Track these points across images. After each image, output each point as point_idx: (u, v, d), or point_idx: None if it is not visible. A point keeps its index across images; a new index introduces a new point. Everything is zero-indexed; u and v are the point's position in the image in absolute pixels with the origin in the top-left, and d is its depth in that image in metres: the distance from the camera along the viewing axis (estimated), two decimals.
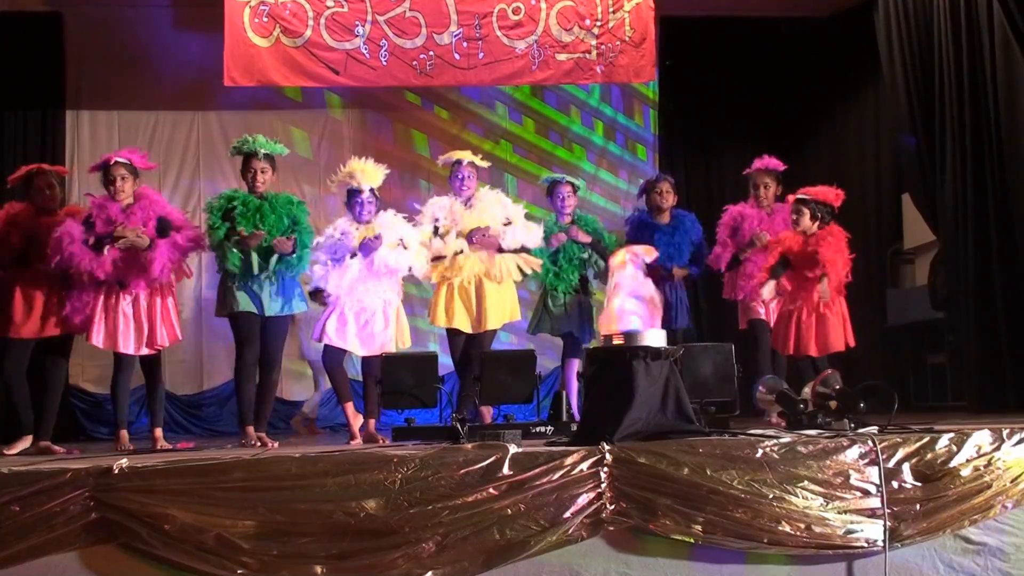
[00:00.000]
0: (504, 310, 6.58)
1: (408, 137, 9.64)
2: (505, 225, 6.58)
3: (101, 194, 6.08)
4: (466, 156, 6.72)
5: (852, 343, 6.53)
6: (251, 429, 6.00)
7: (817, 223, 6.44)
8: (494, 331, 6.63)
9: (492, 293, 6.51)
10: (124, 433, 5.91)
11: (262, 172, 6.16)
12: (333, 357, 6.28)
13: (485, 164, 6.90)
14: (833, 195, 6.52)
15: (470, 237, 6.47)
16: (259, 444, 5.87)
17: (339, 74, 8.33)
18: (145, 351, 5.91)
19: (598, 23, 8.52)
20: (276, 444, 5.96)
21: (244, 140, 6.26)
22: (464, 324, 6.49)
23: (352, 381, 6.78)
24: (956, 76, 7.18)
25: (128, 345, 5.83)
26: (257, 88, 8.69)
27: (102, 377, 8.84)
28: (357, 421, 6.22)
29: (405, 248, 6.25)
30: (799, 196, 6.53)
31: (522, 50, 8.45)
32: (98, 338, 5.81)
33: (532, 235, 6.63)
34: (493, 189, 6.89)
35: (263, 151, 6.16)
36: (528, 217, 6.87)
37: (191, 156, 9.29)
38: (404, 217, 6.49)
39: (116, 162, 5.92)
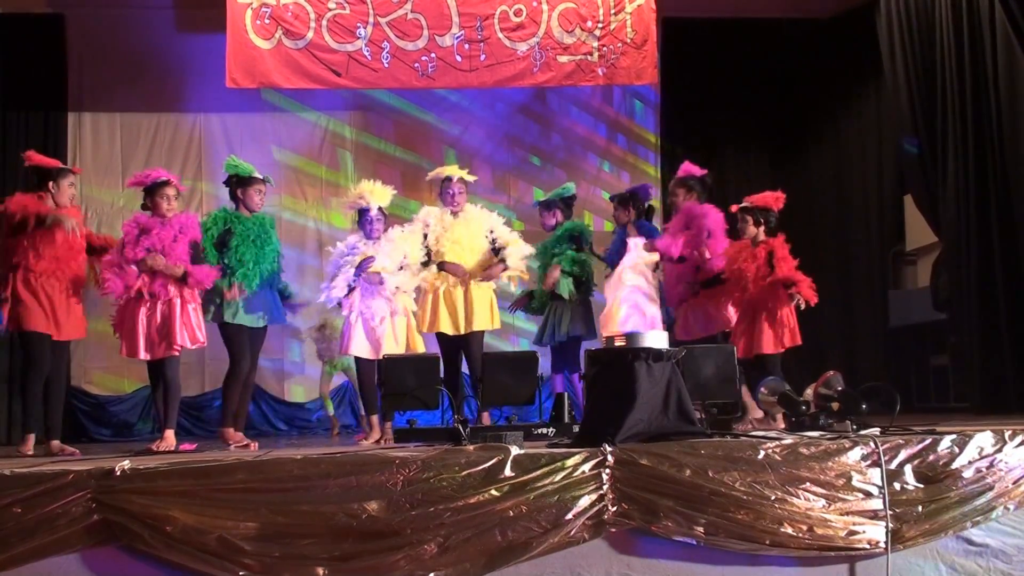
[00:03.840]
0: (491, 313, 6.72)
1: (410, 139, 9.64)
2: (489, 236, 6.75)
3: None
4: (456, 172, 6.84)
5: (784, 345, 6.26)
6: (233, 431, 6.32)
7: (762, 228, 6.48)
8: (482, 332, 6.72)
9: (479, 296, 6.63)
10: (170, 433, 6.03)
11: (262, 194, 6.50)
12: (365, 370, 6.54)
13: (472, 179, 7.02)
14: (773, 199, 6.54)
15: (441, 264, 6.66)
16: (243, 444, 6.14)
17: (341, 76, 8.35)
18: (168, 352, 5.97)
19: (600, 25, 8.53)
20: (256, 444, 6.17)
21: (239, 165, 6.48)
22: (448, 327, 6.61)
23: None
24: (958, 77, 7.18)
25: (141, 351, 5.89)
26: (259, 90, 8.72)
27: (104, 379, 8.89)
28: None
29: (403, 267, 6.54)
30: (742, 205, 6.59)
31: (524, 52, 8.46)
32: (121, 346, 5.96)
33: (516, 252, 6.77)
34: (477, 205, 7.03)
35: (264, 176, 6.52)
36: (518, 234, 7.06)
37: (193, 158, 9.29)
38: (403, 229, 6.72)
39: (171, 182, 6.09)
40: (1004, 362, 6.84)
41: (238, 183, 6.44)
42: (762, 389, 5.33)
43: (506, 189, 9.64)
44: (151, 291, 5.84)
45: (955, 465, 4.29)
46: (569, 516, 4.00)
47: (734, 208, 6.69)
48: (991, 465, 4.32)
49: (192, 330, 5.95)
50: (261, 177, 6.51)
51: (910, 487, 4.24)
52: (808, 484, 4.16)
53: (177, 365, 6.07)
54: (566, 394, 5.82)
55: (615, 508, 4.04)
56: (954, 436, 4.35)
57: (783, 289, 6.19)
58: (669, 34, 9.31)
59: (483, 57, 8.44)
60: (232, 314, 6.27)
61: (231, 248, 6.26)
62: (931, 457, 4.30)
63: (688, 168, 6.93)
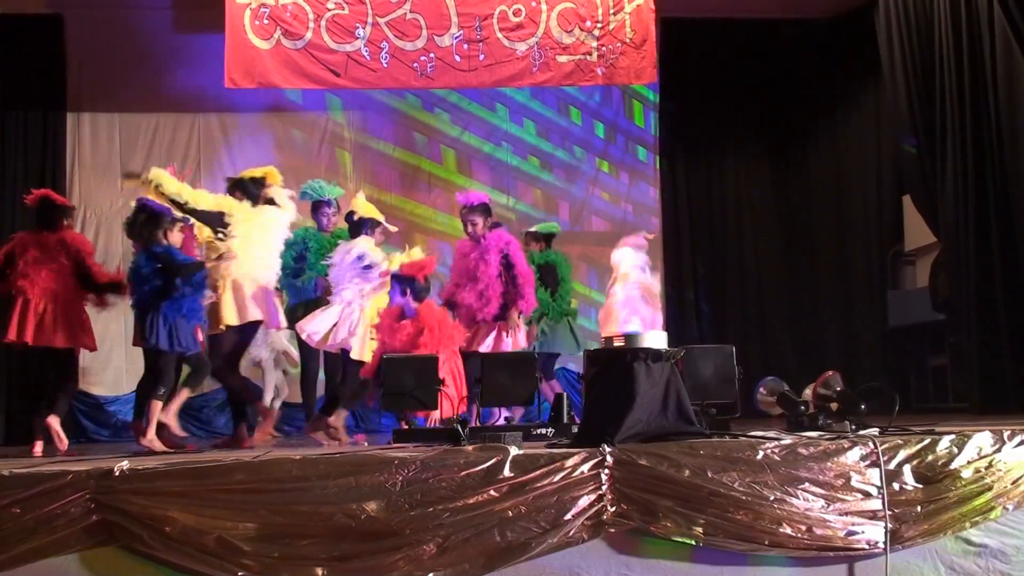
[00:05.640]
0: None
1: (409, 139, 9.63)
2: None
3: None
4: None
5: None
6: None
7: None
8: None
9: None
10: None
11: (334, 215, 7.27)
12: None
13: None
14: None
15: None
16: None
17: (340, 76, 8.35)
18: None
19: (599, 25, 8.52)
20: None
21: (317, 187, 7.23)
22: None
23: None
24: (957, 77, 7.18)
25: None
26: (258, 90, 8.71)
27: (104, 380, 8.87)
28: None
29: None
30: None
31: (523, 52, 8.46)
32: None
33: None
34: None
35: (334, 197, 7.17)
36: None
37: (192, 158, 9.28)
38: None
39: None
40: (1003, 362, 6.83)
41: (312, 206, 7.20)
42: (761, 389, 5.32)
43: (505, 190, 9.64)
44: None
45: (954, 465, 4.29)
46: (568, 516, 4.00)
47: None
48: (990, 465, 4.32)
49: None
50: (327, 200, 7.20)
51: (909, 487, 4.24)
52: (807, 484, 4.16)
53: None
54: (565, 395, 5.83)
55: (614, 508, 4.04)
56: (953, 436, 4.35)
57: None
58: (668, 34, 9.30)
59: (482, 57, 8.44)
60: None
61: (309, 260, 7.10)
62: (930, 457, 4.29)
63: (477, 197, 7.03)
